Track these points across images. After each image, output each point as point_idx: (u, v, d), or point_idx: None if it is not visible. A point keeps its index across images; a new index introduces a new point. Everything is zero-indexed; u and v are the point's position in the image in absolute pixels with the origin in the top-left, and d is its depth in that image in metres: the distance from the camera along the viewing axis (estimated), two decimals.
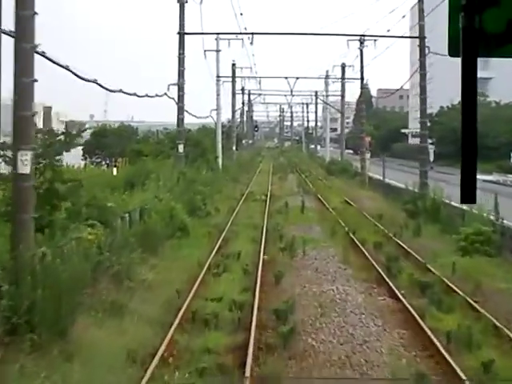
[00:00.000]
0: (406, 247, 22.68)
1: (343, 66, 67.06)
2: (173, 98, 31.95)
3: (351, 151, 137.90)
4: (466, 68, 2.87)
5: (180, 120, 33.10)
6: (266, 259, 20.06)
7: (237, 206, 35.31)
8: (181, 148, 32.72)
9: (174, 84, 31.56)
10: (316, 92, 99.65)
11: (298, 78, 52.04)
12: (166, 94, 31.41)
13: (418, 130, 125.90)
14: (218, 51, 49.71)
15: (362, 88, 48.95)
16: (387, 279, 17.37)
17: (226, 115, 73.28)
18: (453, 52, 3.02)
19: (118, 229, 17.26)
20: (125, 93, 28.60)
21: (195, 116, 48.54)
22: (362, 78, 49.78)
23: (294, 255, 20.91)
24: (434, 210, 28.59)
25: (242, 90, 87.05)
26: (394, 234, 25.36)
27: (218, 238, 23.82)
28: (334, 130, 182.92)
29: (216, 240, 23.27)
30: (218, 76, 50.13)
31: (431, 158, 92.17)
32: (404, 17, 44.97)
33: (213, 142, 51.24)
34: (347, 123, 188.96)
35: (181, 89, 31.94)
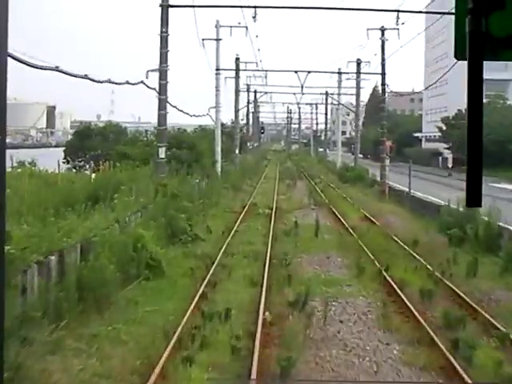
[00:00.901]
0: (466, 298, 16.03)
1: (358, 62, 60.37)
2: (154, 89, 25.24)
3: (361, 155, 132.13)
4: (473, 71, 2.83)
5: (161, 116, 26.26)
6: (267, 319, 13.49)
7: (234, 224, 28.70)
8: (162, 152, 25.95)
9: (154, 70, 24.82)
10: (326, 92, 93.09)
11: (309, 72, 45.46)
12: (142, 82, 24.72)
13: (433, 134, 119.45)
14: (217, 40, 43.16)
15: (383, 84, 42.50)
16: (462, 373, 10.66)
17: (229, 115, 66.51)
18: (459, 55, 2.99)
19: (30, 286, 10.68)
20: (92, 80, 22.05)
21: (187, 114, 42.02)
22: (383, 73, 43.20)
23: (310, 314, 14.20)
24: (490, 238, 21.89)
25: (247, 87, 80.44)
26: (441, 273, 18.73)
27: (202, 278, 17.19)
28: (343, 133, 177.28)
29: (199, 283, 16.64)
30: (217, 69, 43.54)
31: (449, 164, 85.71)
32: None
33: (211, 144, 44.64)
34: (356, 126, 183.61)
35: (163, 76, 25.17)
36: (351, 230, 27.35)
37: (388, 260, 20.24)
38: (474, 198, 2.82)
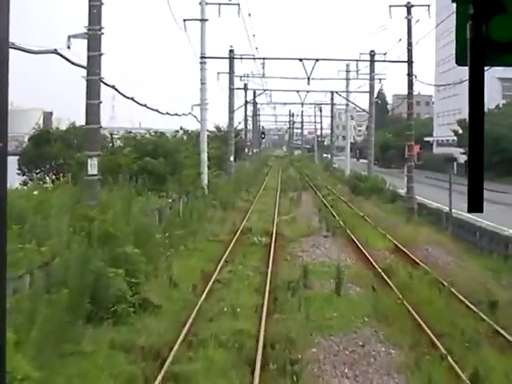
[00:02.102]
0: None
1: (372, 54, 51.59)
2: (77, 65, 16.11)
3: (366, 161, 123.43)
4: (474, 77, 2.83)
5: (91, 109, 16.77)
6: None
7: (216, 266, 19.83)
8: (92, 166, 16.60)
9: (79, 35, 15.78)
10: (332, 92, 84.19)
11: (317, 61, 36.38)
12: (56, 51, 15.77)
13: (445, 138, 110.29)
14: (202, 20, 34.31)
15: (410, 75, 33.43)
16: None
17: (224, 118, 57.20)
18: (461, 61, 2.99)
19: None
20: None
21: (159, 112, 33.23)
22: (410, 61, 34.34)
23: None
24: None
25: (245, 86, 71.48)
26: None
27: None
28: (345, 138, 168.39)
29: None
30: (202, 56, 34.59)
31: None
32: None
33: (196, 151, 35.79)
34: (359, 131, 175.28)
35: (93, 42, 15.97)
36: (386, 278, 18.47)
37: (461, 348, 11.46)
38: (475, 203, 2.79)
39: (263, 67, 37.85)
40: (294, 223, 31.00)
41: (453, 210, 29.97)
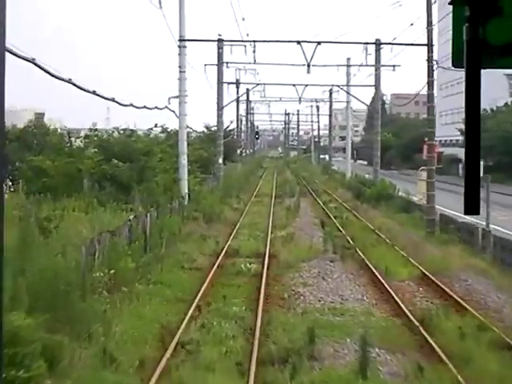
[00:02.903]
0: None
1: (378, 43, 45.77)
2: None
3: (365, 162, 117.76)
4: (470, 79, 2.83)
5: None
6: None
7: (183, 319, 13.89)
8: None
9: None
10: (331, 89, 78.39)
11: (319, 44, 30.21)
12: None
13: (449, 138, 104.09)
14: None
15: (430, 60, 27.57)
16: None
17: (214, 118, 51.11)
18: (457, 63, 2.99)
19: None
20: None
21: (134, 106, 27.33)
22: (429, 44, 28.52)
23: None
24: None
25: (237, 82, 65.41)
26: None
27: None
28: (343, 138, 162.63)
29: None
30: (181, 38, 28.54)
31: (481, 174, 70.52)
32: None
33: (172, 153, 29.83)
34: (356, 131, 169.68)
35: None
36: (430, 338, 12.62)
37: None
38: (471, 205, 2.83)
39: (254, 51, 31.71)
40: (292, 241, 25.09)
41: (490, 225, 24.15)
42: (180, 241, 22.90)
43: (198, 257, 21.45)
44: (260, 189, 55.40)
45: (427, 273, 19.79)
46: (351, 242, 25.27)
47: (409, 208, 35.80)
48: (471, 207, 2.82)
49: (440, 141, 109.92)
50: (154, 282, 17.15)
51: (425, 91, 29.95)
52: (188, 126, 54.30)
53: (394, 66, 40.77)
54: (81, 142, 27.50)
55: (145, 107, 31.39)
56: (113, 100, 27.40)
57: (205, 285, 17.41)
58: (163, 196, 24.03)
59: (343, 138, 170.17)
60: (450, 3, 2.95)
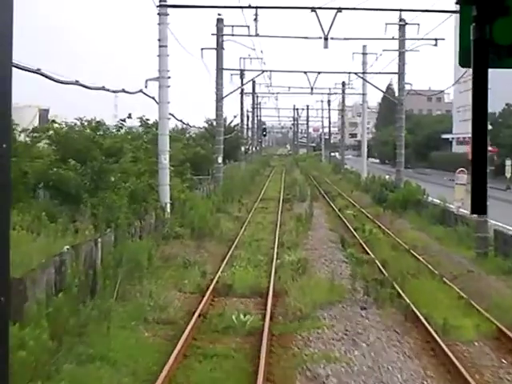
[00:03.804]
0: None
1: (402, 24, 39.24)
2: None
3: (377, 161, 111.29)
4: (477, 79, 2.80)
5: None
6: None
7: None
8: None
9: None
10: (343, 82, 71.90)
11: (339, 11, 23.62)
12: None
13: (466, 135, 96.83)
14: None
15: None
16: None
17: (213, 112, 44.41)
18: (464, 63, 2.99)
19: None
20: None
21: (106, 90, 20.91)
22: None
23: None
24: None
25: (241, 72, 58.64)
26: None
27: None
28: (353, 135, 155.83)
29: None
30: (161, 3, 21.88)
31: (507, 174, 63.99)
32: None
33: (151, 152, 23.32)
34: (367, 128, 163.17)
35: None
36: None
37: None
38: (478, 205, 2.73)
39: (255, 19, 24.86)
40: (305, 271, 18.55)
41: None
42: (150, 274, 16.40)
43: (172, 299, 15.01)
44: (266, 191, 48.84)
45: (504, 329, 13.33)
46: (383, 270, 18.79)
47: (444, 218, 29.26)
48: (478, 207, 2.77)
49: (457, 138, 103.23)
50: (89, 357, 10.73)
51: (434, 87, 23.70)
52: (186, 123, 48.08)
53: (436, 39, 34.03)
54: (27, 136, 21.07)
55: (123, 91, 24.83)
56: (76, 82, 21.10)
57: (173, 356, 11.00)
58: (129, 210, 17.55)
59: (353, 136, 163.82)
60: (456, 3, 3.00)
